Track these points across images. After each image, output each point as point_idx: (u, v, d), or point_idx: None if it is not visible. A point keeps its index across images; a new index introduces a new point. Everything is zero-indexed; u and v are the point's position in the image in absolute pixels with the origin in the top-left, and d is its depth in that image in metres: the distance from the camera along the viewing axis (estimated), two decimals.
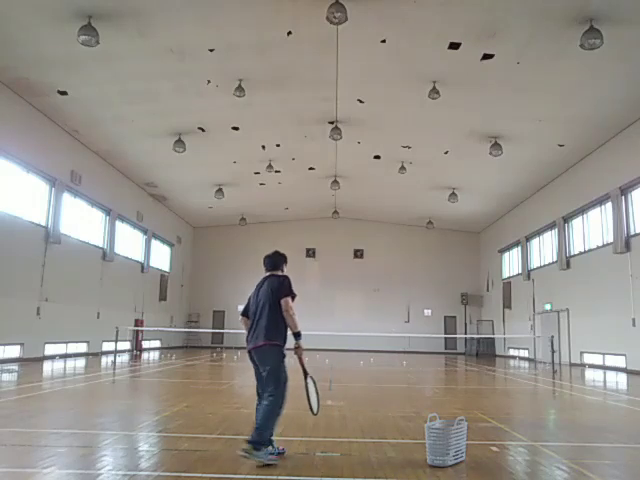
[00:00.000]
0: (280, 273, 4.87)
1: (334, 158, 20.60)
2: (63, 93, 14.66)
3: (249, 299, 4.90)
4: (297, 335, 4.59)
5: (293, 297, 4.63)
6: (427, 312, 30.84)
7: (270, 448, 4.39)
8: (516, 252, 25.94)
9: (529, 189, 22.86)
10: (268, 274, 4.87)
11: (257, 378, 4.67)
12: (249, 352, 4.69)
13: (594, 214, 18.76)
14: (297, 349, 4.65)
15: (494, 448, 5.05)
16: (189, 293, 31.15)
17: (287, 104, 15.94)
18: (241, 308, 5.05)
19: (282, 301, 4.55)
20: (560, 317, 20.52)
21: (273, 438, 4.51)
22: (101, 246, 20.42)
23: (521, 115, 15.69)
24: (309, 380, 4.70)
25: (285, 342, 4.62)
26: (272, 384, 4.49)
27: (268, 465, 4.22)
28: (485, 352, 28.13)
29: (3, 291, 14.22)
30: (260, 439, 4.31)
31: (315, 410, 4.69)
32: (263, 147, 19.40)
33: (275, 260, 4.91)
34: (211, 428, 5.77)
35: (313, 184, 23.96)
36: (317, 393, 4.76)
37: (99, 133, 17.64)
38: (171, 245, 28.58)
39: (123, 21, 11.39)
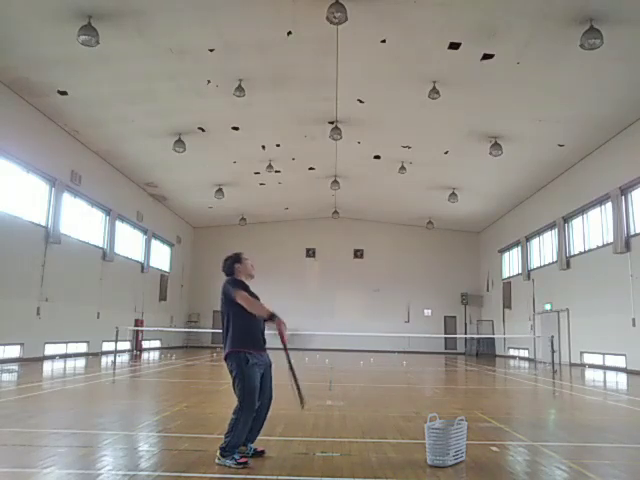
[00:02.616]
0: (230, 277, 4.65)
1: (334, 158, 20.59)
2: (63, 93, 14.66)
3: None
4: (271, 317, 4.37)
5: (243, 288, 4.47)
6: (427, 312, 30.84)
7: (236, 456, 4.23)
8: (516, 252, 25.94)
9: (529, 189, 22.86)
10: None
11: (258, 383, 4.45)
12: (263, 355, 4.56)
13: (594, 214, 18.76)
14: (278, 325, 4.36)
15: (494, 448, 5.04)
16: (189, 293, 31.15)
17: (287, 104, 15.94)
18: None
19: (237, 300, 4.40)
20: (560, 317, 20.51)
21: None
22: (101, 246, 20.41)
23: (521, 115, 15.70)
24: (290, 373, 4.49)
25: (247, 345, 4.40)
26: (238, 393, 4.35)
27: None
28: (485, 352, 28.13)
29: (3, 291, 14.22)
30: (225, 446, 4.24)
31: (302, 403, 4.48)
32: (263, 147, 19.40)
33: (224, 267, 4.71)
34: (211, 428, 5.76)
35: (313, 184, 23.95)
36: (297, 387, 4.46)
37: (99, 133, 17.64)
38: (171, 245, 28.58)
39: (123, 21, 11.39)
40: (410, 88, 14.46)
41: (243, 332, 4.43)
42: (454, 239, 31.17)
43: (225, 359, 4.47)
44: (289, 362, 4.48)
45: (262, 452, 4.53)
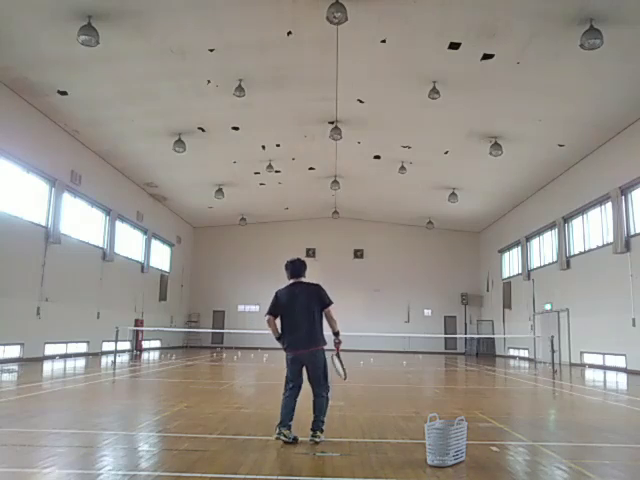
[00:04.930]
0: (304, 279, 5.46)
1: (334, 158, 20.60)
2: (63, 93, 14.66)
3: (276, 299, 5.36)
4: (337, 333, 5.30)
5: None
6: (427, 312, 30.84)
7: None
8: (516, 252, 25.94)
9: (529, 189, 22.86)
10: (294, 280, 5.41)
11: (292, 373, 5.25)
12: (296, 355, 5.24)
13: (594, 214, 18.75)
14: (338, 343, 5.36)
15: (494, 448, 5.05)
16: (189, 293, 31.15)
17: (287, 104, 15.94)
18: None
19: (328, 309, 5.27)
20: (560, 317, 20.51)
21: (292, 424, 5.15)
22: (101, 246, 20.41)
23: (521, 115, 15.69)
24: (335, 358, 5.39)
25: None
26: (323, 381, 5.19)
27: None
28: (485, 352, 28.14)
29: (3, 291, 14.22)
30: (323, 424, 5.13)
31: (343, 375, 5.40)
32: (263, 147, 19.40)
33: (300, 267, 5.46)
34: (211, 428, 5.77)
35: (313, 184, 23.96)
36: (342, 364, 5.43)
37: (99, 133, 17.64)
38: (171, 245, 28.58)
39: (123, 21, 11.38)
40: (410, 88, 14.46)
41: (322, 332, 5.27)
42: (454, 239, 31.17)
43: (313, 351, 5.26)
44: (337, 355, 5.41)
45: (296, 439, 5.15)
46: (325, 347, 5.29)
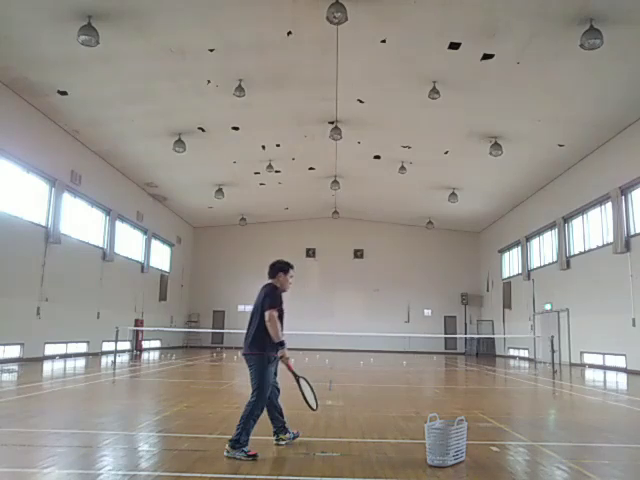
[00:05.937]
0: (272, 281, 5.00)
1: (334, 158, 20.59)
2: (63, 93, 14.66)
3: None
4: (280, 344, 4.70)
5: (277, 307, 4.75)
6: (427, 312, 30.84)
7: (246, 448, 4.43)
8: (516, 252, 25.94)
9: (529, 189, 22.86)
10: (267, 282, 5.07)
11: None
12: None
13: (594, 214, 18.75)
14: (282, 358, 4.78)
15: (494, 448, 5.05)
16: (189, 293, 31.16)
17: (287, 104, 15.94)
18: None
19: (265, 313, 4.71)
20: (560, 317, 20.51)
21: (287, 424, 4.99)
22: (101, 246, 20.41)
23: (521, 115, 15.69)
24: (301, 381, 4.96)
25: (272, 349, 4.74)
26: (254, 388, 4.67)
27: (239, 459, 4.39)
28: (485, 352, 28.14)
29: (3, 291, 14.22)
30: (237, 438, 4.44)
31: (314, 406, 4.99)
32: (263, 147, 19.40)
33: (271, 269, 5.07)
34: (211, 428, 5.77)
35: (313, 184, 23.96)
36: (312, 391, 5.02)
37: (99, 133, 17.64)
38: (171, 245, 28.58)
39: (123, 21, 11.39)
40: (410, 88, 14.46)
41: (269, 337, 4.76)
42: (454, 239, 31.17)
43: (245, 355, 4.85)
44: (297, 380, 4.94)
45: (297, 435, 5.11)
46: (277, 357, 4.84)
